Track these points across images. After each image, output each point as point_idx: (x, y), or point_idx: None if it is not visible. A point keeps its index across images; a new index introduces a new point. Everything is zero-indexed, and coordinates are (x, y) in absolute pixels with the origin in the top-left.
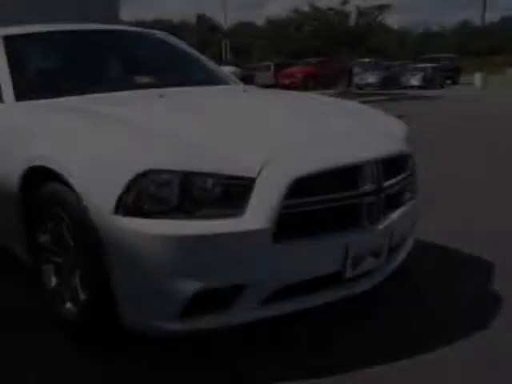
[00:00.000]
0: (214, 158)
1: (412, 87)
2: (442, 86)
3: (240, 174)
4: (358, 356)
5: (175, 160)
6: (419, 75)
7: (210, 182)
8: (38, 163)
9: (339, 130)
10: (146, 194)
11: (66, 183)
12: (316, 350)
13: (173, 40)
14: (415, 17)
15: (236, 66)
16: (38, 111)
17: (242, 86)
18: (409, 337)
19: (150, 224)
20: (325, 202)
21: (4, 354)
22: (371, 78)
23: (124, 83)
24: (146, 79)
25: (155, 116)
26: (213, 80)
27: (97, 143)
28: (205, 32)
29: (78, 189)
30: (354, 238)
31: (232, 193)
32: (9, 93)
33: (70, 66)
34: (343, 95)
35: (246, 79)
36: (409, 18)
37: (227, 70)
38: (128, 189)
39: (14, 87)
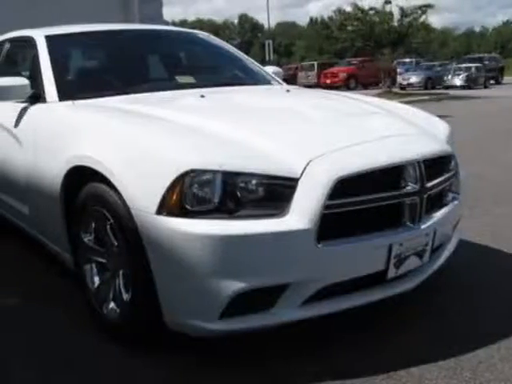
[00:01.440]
0: (256, 158)
1: (455, 87)
2: (485, 86)
3: (283, 174)
4: (398, 355)
5: (218, 160)
6: (463, 75)
7: (252, 182)
8: (80, 163)
9: (382, 130)
10: (188, 194)
11: (109, 183)
12: (352, 350)
13: (215, 40)
14: (457, 17)
15: (277, 65)
16: (81, 111)
17: (284, 85)
18: (449, 336)
19: (193, 224)
20: (367, 202)
21: (46, 354)
22: (414, 78)
23: (166, 83)
24: (187, 79)
25: (197, 116)
26: (255, 80)
27: (139, 144)
28: (247, 32)
29: (121, 189)
30: (397, 237)
31: (275, 193)
32: (52, 92)
33: (111, 65)
34: (385, 95)
35: (288, 79)
36: (451, 19)
37: (270, 69)
38: (171, 189)
39: (57, 87)
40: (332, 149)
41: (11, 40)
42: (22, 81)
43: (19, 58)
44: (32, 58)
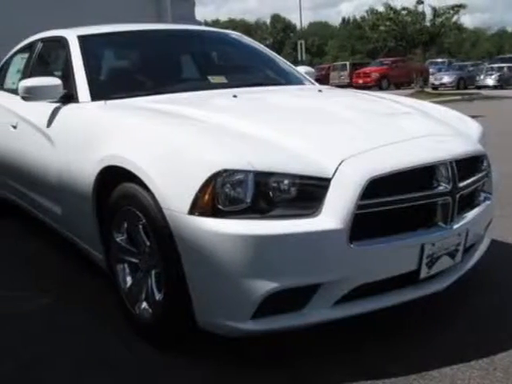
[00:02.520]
0: (288, 158)
1: (487, 87)
2: None
3: (315, 174)
4: (430, 355)
5: (250, 160)
6: (495, 75)
7: (285, 182)
8: (113, 163)
9: (414, 130)
10: (221, 193)
11: (141, 183)
12: (384, 351)
13: (247, 40)
14: (490, 17)
15: (310, 65)
16: (113, 111)
17: (316, 85)
18: (481, 336)
19: (225, 224)
20: (399, 202)
21: (81, 354)
22: (446, 78)
23: (198, 83)
24: (220, 79)
25: (229, 116)
26: (287, 80)
27: (172, 144)
28: (279, 32)
29: (153, 189)
30: (429, 237)
31: (307, 193)
32: (84, 92)
33: (144, 65)
34: (417, 95)
35: (321, 79)
36: (483, 19)
37: (302, 69)
38: (203, 189)
39: (90, 87)
40: (364, 149)
41: (43, 40)
42: (54, 81)
43: (51, 57)
44: (64, 57)
